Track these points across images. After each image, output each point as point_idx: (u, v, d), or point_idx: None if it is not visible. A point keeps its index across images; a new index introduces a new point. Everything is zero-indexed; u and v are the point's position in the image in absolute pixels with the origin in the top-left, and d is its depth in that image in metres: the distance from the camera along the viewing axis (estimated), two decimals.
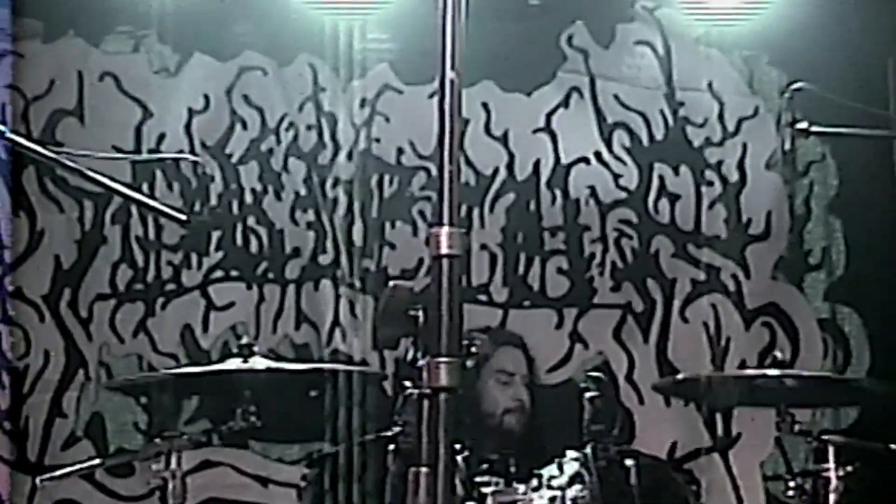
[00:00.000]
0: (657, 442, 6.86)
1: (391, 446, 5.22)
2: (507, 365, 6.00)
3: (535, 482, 5.25)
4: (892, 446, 5.62)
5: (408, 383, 5.48)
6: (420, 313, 2.60)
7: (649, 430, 6.98)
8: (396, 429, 5.25)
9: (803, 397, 6.01)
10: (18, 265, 6.84)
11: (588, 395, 5.50)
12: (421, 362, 2.56)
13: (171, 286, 6.98)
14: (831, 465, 5.33)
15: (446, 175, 2.54)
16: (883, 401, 6.34)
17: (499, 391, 5.97)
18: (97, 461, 6.08)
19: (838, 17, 6.94)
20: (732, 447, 7.11)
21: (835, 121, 6.12)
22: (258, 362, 5.47)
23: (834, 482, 5.30)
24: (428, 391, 2.52)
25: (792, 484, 5.64)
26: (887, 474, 5.77)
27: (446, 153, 2.54)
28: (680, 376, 6.73)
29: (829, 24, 6.96)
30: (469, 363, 2.63)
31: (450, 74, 2.58)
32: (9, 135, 5.26)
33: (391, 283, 2.75)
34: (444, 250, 2.54)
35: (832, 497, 5.30)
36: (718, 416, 7.04)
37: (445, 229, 2.55)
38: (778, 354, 6.12)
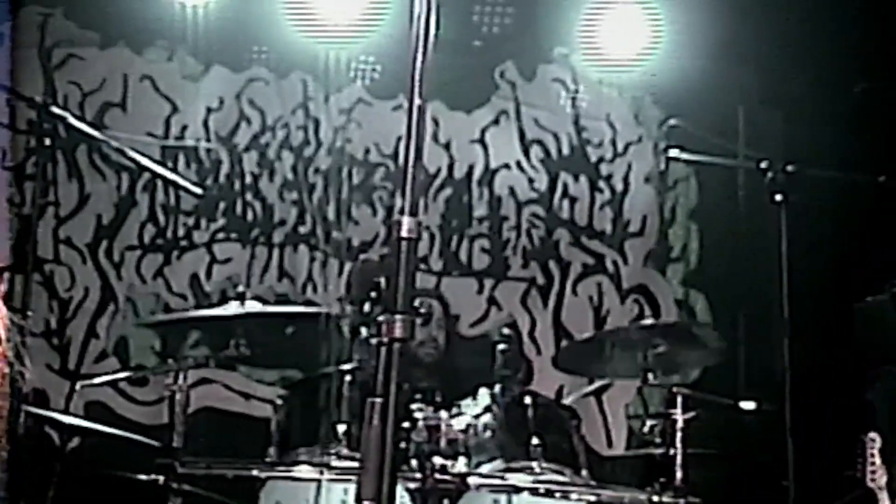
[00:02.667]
0: (549, 385, 6.87)
1: (348, 377, 5.22)
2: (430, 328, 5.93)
3: (455, 410, 5.25)
4: (724, 399, 5.65)
5: (363, 329, 5.52)
6: (382, 280, 2.60)
7: (544, 376, 6.99)
8: (352, 364, 5.25)
9: (660, 360, 6.01)
10: (69, 219, 6.81)
11: (499, 347, 5.49)
12: (380, 318, 2.56)
13: (184, 242, 6.96)
14: (679, 410, 5.34)
15: (409, 178, 2.54)
16: (720, 361, 6.39)
17: (419, 348, 5.87)
18: (122, 374, 6.06)
19: (704, 72, 6.96)
20: (605, 392, 7.13)
21: (698, 149, 6.16)
22: (249, 305, 5.46)
23: (680, 423, 5.31)
24: (385, 340, 2.52)
25: (648, 423, 5.67)
26: (720, 418, 5.80)
27: (410, 162, 2.55)
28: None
29: (697, 76, 6.98)
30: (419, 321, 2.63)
31: (417, 101, 2.58)
32: (70, 119, 5.28)
33: (361, 256, 2.76)
34: (405, 234, 2.53)
35: (678, 434, 5.31)
36: None
37: (406, 218, 2.54)
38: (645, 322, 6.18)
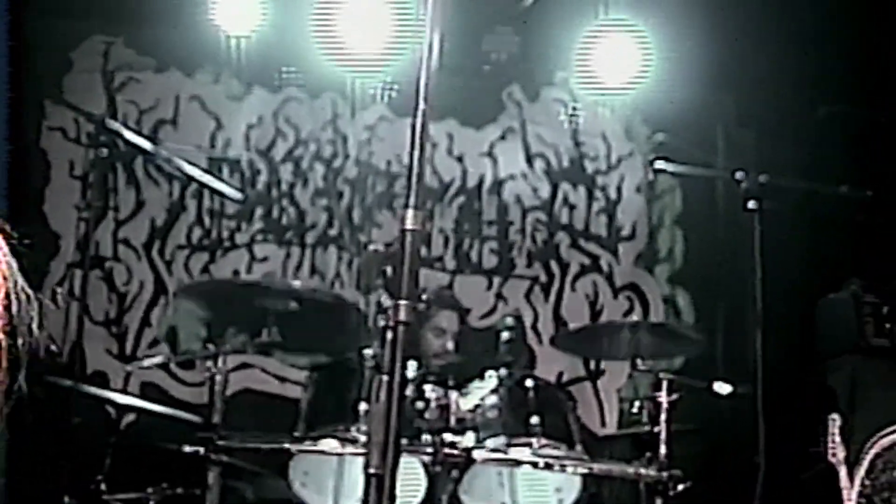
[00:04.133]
0: (549, 371, 6.81)
1: (369, 361, 5.15)
2: (442, 323, 5.86)
3: (464, 391, 5.22)
4: (703, 383, 5.56)
5: (381, 318, 5.46)
6: (389, 269, 2.51)
7: (545, 362, 6.91)
8: (374, 349, 5.18)
9: (648, 349, 5.93)
10: (127, 221, 6.75)
11: (504, 335, 5.45)
12: (387, 304, 2.47)
13: (227, 243, 6.88)
14: (664, 393, 5.25)
15: (414, 173, 2.45)
16: (700, 351, 6.33)
17: (434, 341, 5.83)
18: (159, 359, 6.01)
19: (687, 95, 6.89)
20: (599, 378, 7.06)
21: (683, 161, 6.12)
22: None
23: (664, 404, 5.22)
24: (391, 324, 2.43)
25: (637, 404, 5.59)
26: (699, 401, 5.71)
27: (416, 158, 2.46)
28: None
29: (681, 98, 6.89)
30: (420, 306, 2.54)
31: (422, 105, 2.49)
32: (126, 133, 5.22)
33: (370, 246, 2.67)
34: (409, 225, 2.44)
35: (663, 415, 5.22)
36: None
37: (410, 211, 2.45)
38: (634, 317, 6.10)
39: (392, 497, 2.37)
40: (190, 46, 6.72)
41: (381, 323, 5.23)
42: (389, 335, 2.45)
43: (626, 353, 5.56)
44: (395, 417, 2.40)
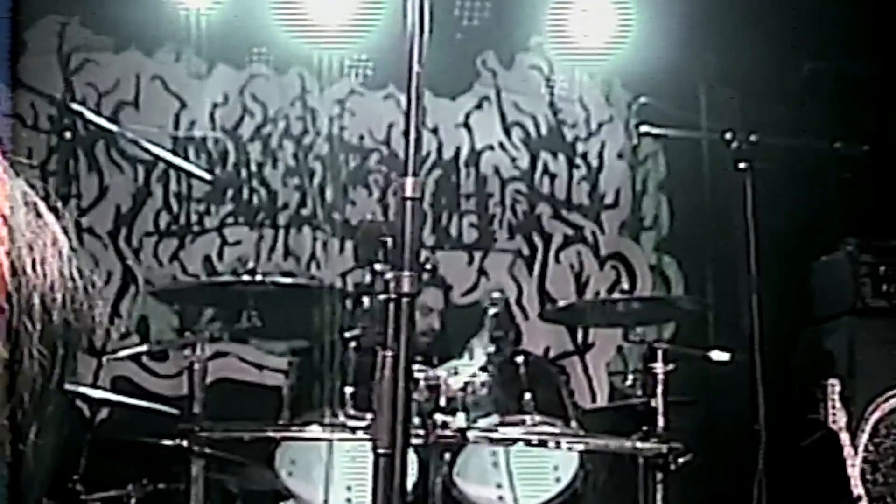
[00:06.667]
0: (536, 346, 6.79)
1: (353, 343, 5.13)
2: (428, 301, 5.85)
3: (452, 370, 5.18)
4: (700, 351, 5.56)
5: (364, 299, 5.42)
6: (388, 240, 2.47)
7: (531, 337, 6.90)
8: (357, 331, 5.15)
9: (639, 317, 5.94)
10: (90, 209, 6.68)
11: (491, 311, 5.43)
12: (388, 276, 2.43)
13: (196, 227, 6.82)
14: (659, 363, 5.23)
15: (411, 138, 2.41)
16: (691, 318, 6.38)
17: (419, 319, 5.80)
18: (144, 348, 5.96)
19: (668, 56, 6.86)
20: (588, 351, 7.05)
21: (665, 124, 6.12)
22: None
23: (661, 375, 5.21)
24: (394, 296, 2.39)
25: (630, 377, 5.58)
26: (696, 370, 5.72)
27: (412, 124, 2.41)
28: (561, 303, 6.67)
29: (661, 59, 6.87)
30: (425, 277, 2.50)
31: (416, 68, 2.45)
32: (89, 115, 5.16)
33: (368, 217, 2.62)
34: (409, 194, 2.40)
35: (659, 387, 5.20)
36: (579, 330, 7.01)
37: (409, 178, 2.41)
38: (625, 286, 6.10)
39: (403, 477, 2.35)
40: (149, 24, 6.66)
41: (365, 302, 5.19)
42: (392, 308, 2.42)
43: (618, 321, 5.56)
44: (402, 394, 2.37)
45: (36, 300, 1.26)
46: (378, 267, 4.73)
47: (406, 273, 2.38)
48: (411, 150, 2.43)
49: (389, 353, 2.41)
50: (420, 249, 2.42)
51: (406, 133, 2.46)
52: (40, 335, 1.23)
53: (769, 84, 6.99)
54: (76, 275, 1.33)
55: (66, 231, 1.34)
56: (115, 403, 5.64)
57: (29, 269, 1.25)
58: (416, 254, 2.41)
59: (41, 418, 1.22)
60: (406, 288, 2.38)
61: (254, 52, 6.92)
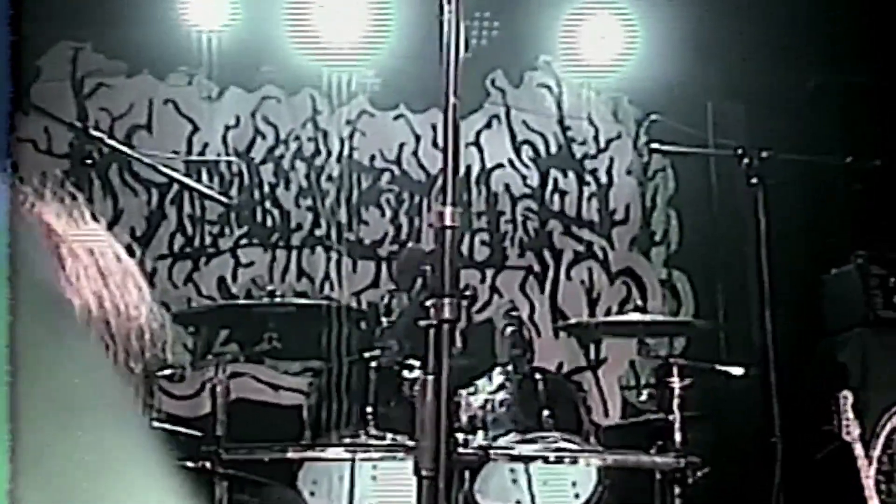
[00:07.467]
0: (549, 362, 6.83)
1: (373, 363, 5.19)
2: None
3: (472, 389, 5.24)
4: (715, 366, 5.61)
5: (384, 320, 5.48)
6: (428, 268, 2.55)
7: (544, 354, 6.95)
8: (377, 351, 5.21)
9: (651, 330, 6.01)
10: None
11: (508, 329, 5.48)
12: (428, 303, 2.50)
13: (210, 249, 6.89)
14: (675, 378, 5.29)
15: (450, 169, 2.49)
16: (702, 331, 6.45)
17: None
18: (168, 372, 6.01)
19: (674, 72, 6.94)
20: (600, 366, 7.11)
21: (673, 142, 6.17)
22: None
23: (677, 390, 5.27)
24: (435, 322, 2.47)
25: (645, 392, 5.64)
26: (710, 384, 5.78)
27: (450, 157, 2.50)
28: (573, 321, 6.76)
29: (668, 76, 6.95)
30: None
31: (452, 99, 2.53)
32: (109, 140, 5.23)
33: (409, 244, 2.70)
34: (448, 223, 2.49)
35: (675, 401, 5.26)
36: (591, 346, 7.06)
37: (448, 208, 2.49)
38: (638, 302, 6.16)
39: (448, 500, 2.42)
40: (161, 48, 6.74)
41: (385, 323, 5.26)
42: (433, 334, 2.49)
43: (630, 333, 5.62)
44: (445, 417, 2.44)
45: (133, 339, 1.34)
46: (392, 287, 4.80)
47: (447, 299, 2.46)
48: (449, 180, 2.50)
49: (431, 378, 2.48)
50: (459, 276, 2.49)
51: (444, 163, 2.53)
52: (143, 370, 1.32)
53: (776, 99, 7.06)
54: (157, 312, 1.41)
55: (143, 270, 1.43)
56: None
57: (122, 310, 1.34)
58: (455, 280, 2.49)
59: None
60: (447, 314, 2.46)
61: (265, 74, 6.99)
